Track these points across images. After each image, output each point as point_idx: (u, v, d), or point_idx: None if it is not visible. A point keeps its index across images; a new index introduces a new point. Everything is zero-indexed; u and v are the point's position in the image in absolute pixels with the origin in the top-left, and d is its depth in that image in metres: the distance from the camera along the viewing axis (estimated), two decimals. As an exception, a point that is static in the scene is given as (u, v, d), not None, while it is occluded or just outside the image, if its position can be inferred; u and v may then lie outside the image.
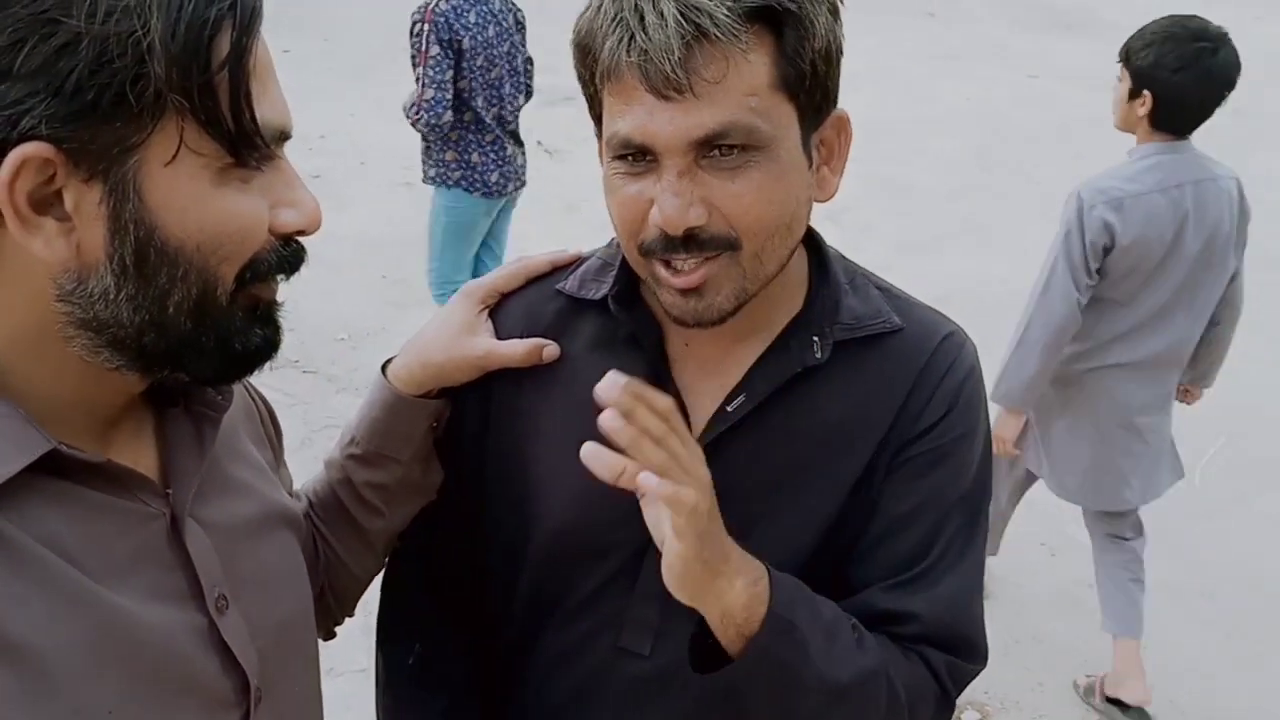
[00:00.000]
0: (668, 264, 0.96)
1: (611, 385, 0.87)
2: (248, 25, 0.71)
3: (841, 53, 0.98)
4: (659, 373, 1.07)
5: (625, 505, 1.06)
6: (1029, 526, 3.67)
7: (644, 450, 0.87)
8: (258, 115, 0.72)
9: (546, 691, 1.18)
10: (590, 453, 0.87)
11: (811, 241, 1.11)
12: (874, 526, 1.10)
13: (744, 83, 0.90)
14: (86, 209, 0.68)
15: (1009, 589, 3.37)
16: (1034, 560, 3.56)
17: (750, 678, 0.98)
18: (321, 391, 4.13)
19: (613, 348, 1.09)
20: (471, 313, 1.14)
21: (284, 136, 0.77)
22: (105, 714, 0.73)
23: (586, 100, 0.99)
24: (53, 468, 0.72)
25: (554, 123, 7.45)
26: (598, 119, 0.99)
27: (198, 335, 0.75)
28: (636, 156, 0.94)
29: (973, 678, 1.11)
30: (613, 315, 1.09)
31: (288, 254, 0.79)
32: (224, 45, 0.70)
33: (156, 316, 0.73)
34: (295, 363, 4.26)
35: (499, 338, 1.13)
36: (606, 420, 0.87)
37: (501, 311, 1.15)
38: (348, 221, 5.49)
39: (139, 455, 0.82)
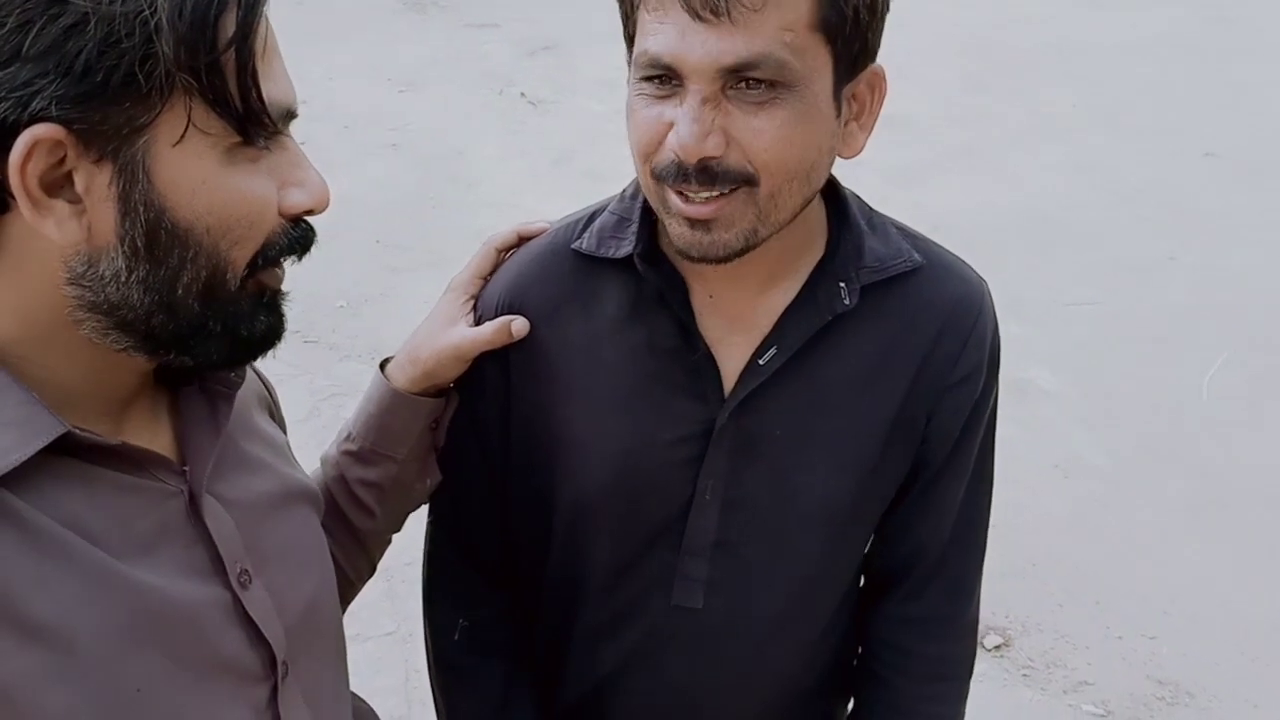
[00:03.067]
0: (680, 192, 0.94)
1: None
2: (253, 3, 0.71)
3: (888, 7, 0.95)
4: (687, 329, 1.05)
5: (666, 463, 1.07)
6: (1041, 449, 3.68)
7: None
8: (264, 94, 0.72)
9: (600, 656, 1.19)
10: None
11: (829, 185, 1.09)
12: (914, 482, 1.15)
13: (783, 16, 0.87)
14: (97, 190, 0.68)
15: (1025, 513, 3.38)
16: (1048, 482, 3.57)
17: None
18: (325, 360, 4.11)
19: (638, 306, 1.07)
20: (454, 305, 1.12)
21: (290, 115, 0.77)
22: (134, 691, 0.73)
23: (622, 18, 0.97)
24: (69, 449, 0.72)
25: (534, 73, 7.38)
26: (629, 39, 0.96)
27: (205, 319, 0.75)
28: (663, 79, 0.91)
29: None
30: (635, 273, 1.06)
31: (297, 235, 0.79)
32: (230, 24, 0.70)
33: (166, 298, 0.73)
34: (296, 333, 4.23)
35: (503, 309, 1.10)
36: None
37: (492, 286, 1.13)
38: (336, 187, 5.25)
39: (155, 434, 0.83)
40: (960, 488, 1.16)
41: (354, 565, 1.18)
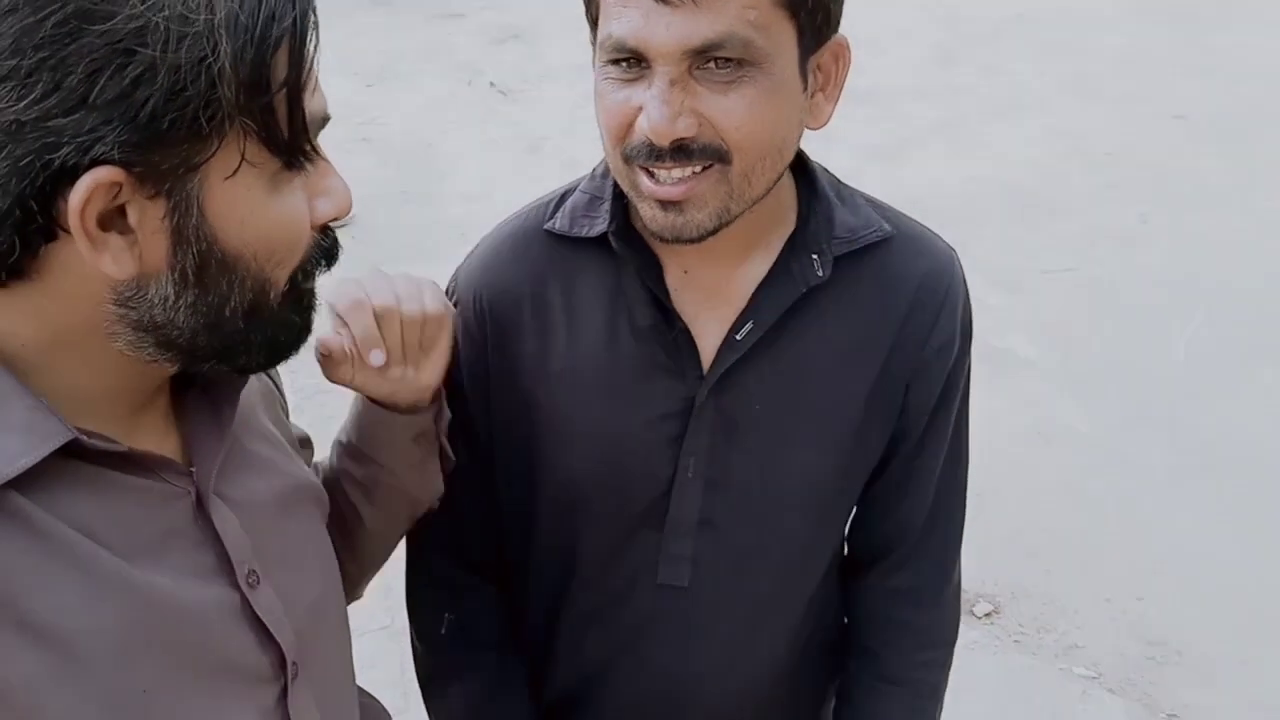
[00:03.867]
0: (650, 173, 0.94)
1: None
2: (304, 38, 0.71)
3: None
4: (663, 306, 1.05)
5: (648, 442, 1.07)
6: (1023, 417, 3.71)
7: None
8: (306, 114, 0.72)
9: (589, 641, 1.19)
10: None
11: (797, 159, 1.09)
12: (894, 454, 1.15)
13: None
14: (149, 223, 0.69)
15: (1010, 481, 3.41)
16: (1031, 450, 3.60)
17: None
18: (307, 359, 4.06)
19: (614, 285, 1.07)
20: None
21: (325, 122, 0.77)
22: (140, 693, 0.73)
23: (584, 1, 0.96)
24: (76, 452, 0.72)
25: (504, 62, 7.36)
26: (593, 22, 0.96)
27: (248, 334, 0.76)
28: (630, 62, 0.91)
29: None
30: (609, 252, 1.06)
31: (327, 245, 0.80)
32: (283, 61, 0.70)
33: (213, 320, 0.74)
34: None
35: (475, 298, 1.09)
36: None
37: (468, 267, 1.12)
38: None
39: (162, 436, 0.83)
40: (940, 458, 1.16)
41: (354, 560, 1.15)
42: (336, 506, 1.11)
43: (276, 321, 0.78)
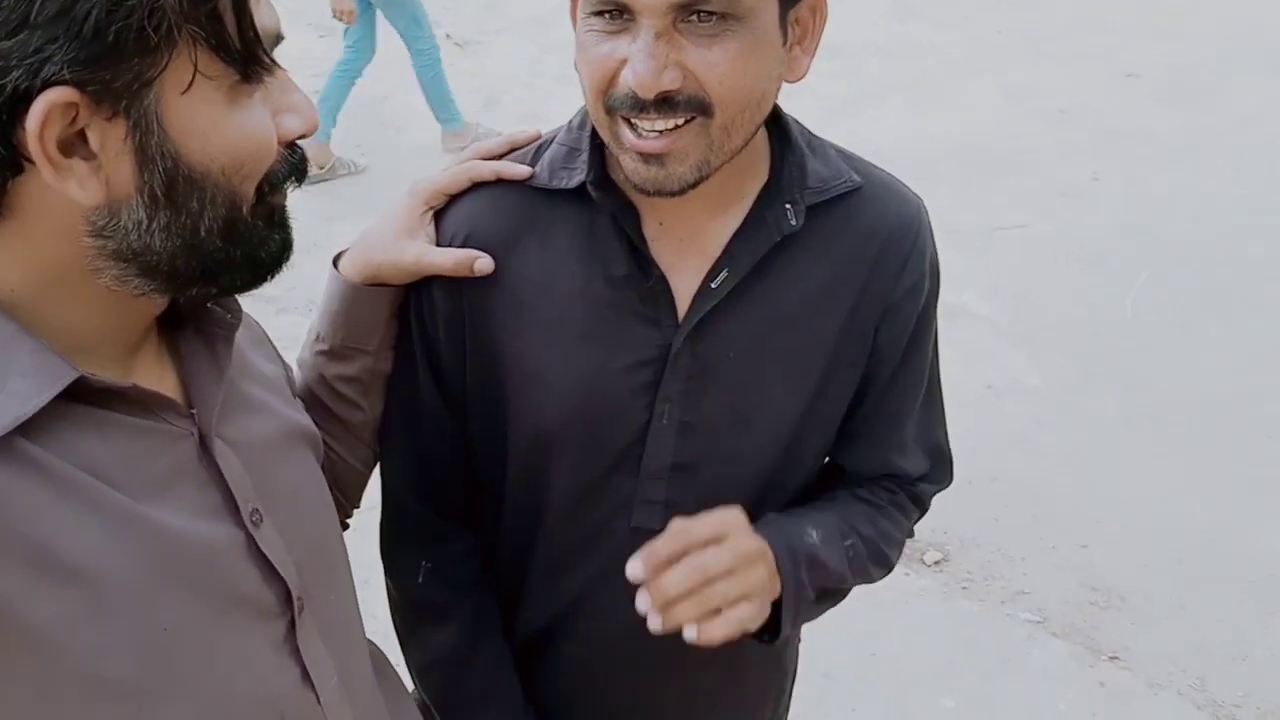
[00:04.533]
0: (632, 126, 0.95)
1: (634, 566, 0.99)
2: None
3: None
4: (640, 255, 1.07)
5: (623, 389, 1.10)
6: (975, 371, 3.77)
7: (682, 613, 1.01)
8: (257, 26, 0.72)
9: (562, 583, 1.21)
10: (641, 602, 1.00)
11: (772, 111, 1.10)
12: (866, 393, 1.17)
13: None
14: (112, 145, 0.68)
15: (961, 434, 3.44)
16: (982, 403, 3.67)
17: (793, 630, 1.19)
18: (262, 313, 3.99)
19: (591, 235, 1.08)
20: (415, 214, 1.11)
21: (279, 39, 0.77)
22: (162, 630, 0.75)
23: None
24: (81, 396, 0.73)
25: (460, 14, 7.25)
26: None
27: (227, 251, 0.76)
28: (614, 14, 0.91)
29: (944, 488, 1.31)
30: (587, 202, 1.07)
31: (294, 160, 0.80)
32: None
33: (190, 240, 0.74)
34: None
35: (459, 241, 1.10)
36: (642, 602, 1.01)
37: (455, 212, 1.12)
38: None
39: (161, 378, 0.83)
40: (912, 402, 1.20)
41: (356, 456, 1.20)
42: (329, 409, 1.15)
43: (254, 237, 0.78)
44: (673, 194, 0.98)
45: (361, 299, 1.11)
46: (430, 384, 1.16)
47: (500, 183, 1.12)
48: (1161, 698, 2.64)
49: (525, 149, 1.14)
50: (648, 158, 0.96)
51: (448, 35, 7.00)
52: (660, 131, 0.94)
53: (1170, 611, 2.90)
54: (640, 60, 0.90)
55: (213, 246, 0.75)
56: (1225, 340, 4.06)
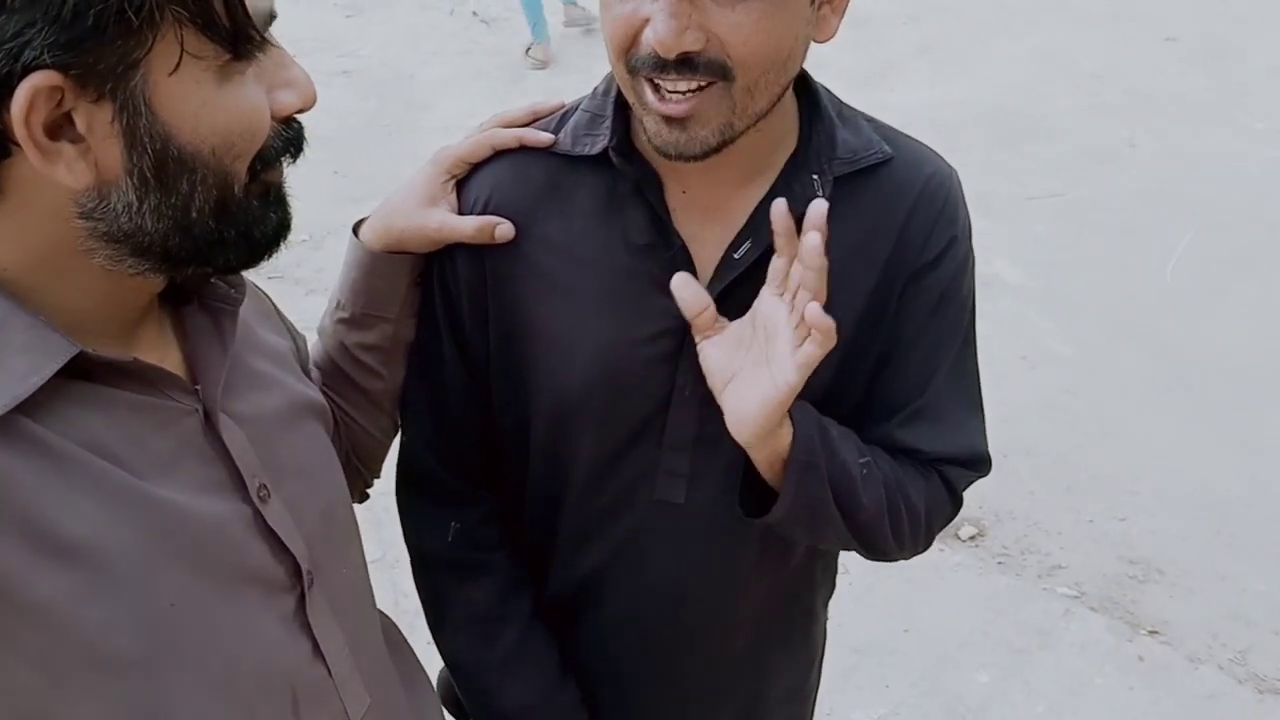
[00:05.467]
0: (655, 87, 0.94)
1: (778, 209, 0.98)
2: None
3: None
4: (662, 223, 1.05)
5: (644, 359, 1.08)
6: (1007, 341, 3.73)
7: (782, 307, 0.99)
8: (247, 3, 0.71)
9: (585, 554, 1.20)
10: (680, 282, 1.00)
11: (801, 78, 1.08)
12: (892, 362, 1.13)
13: None
14: (99, 128, 0.68)
15: (994, 405, 3.41)
16: (1015, 374, 3.63)
17: (789, 514, 1.07)
18: (290, 295, 4.08)
19: (613, 202, 1.07)
20: (436, 182, 1.11)
21: (272, 17, 0.76)
22: (168, 606, 0.75)
23: None
24: (82, 373, 0.73)
25: (487, -10, 7.22)
26: None
27: (220, 231, 0.76)
28: None
29: (978, 479, 1.20)
30: (610, 169, 1.06)
31: (290, 135, 0.79)
32: None
33: (181, 221, 0.73)
34: (260, 270, 4.19)
35: (479, 209, 1.10)
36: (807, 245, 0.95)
37: (476, 180, 1.12)
38: None
39: (164, 354, 0.83)
40: (934, 371, 1.14)
41: (377, 425, 1.20)
42: (350, 378, 1.15)
43: (247, 216, 0.77)
44: (695, 158, 0.96)
45: (382, 267, 1.11)
46: (453, 351, 1.15)
47: (523, 150, 1.11)
48: (1202, 671, 2.61)
49: (550, 117, 1.13)
50: (670, 121, 0.95)
51: (474, 13, 6.99)
52: (684, 93, 0.93)
53: (1210, 583, 2.86)
54: (662, 21, 0.89)
55: (205, 227, 0.74)
56: (1261, 303, 3.99)
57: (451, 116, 5.61)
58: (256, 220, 0.78)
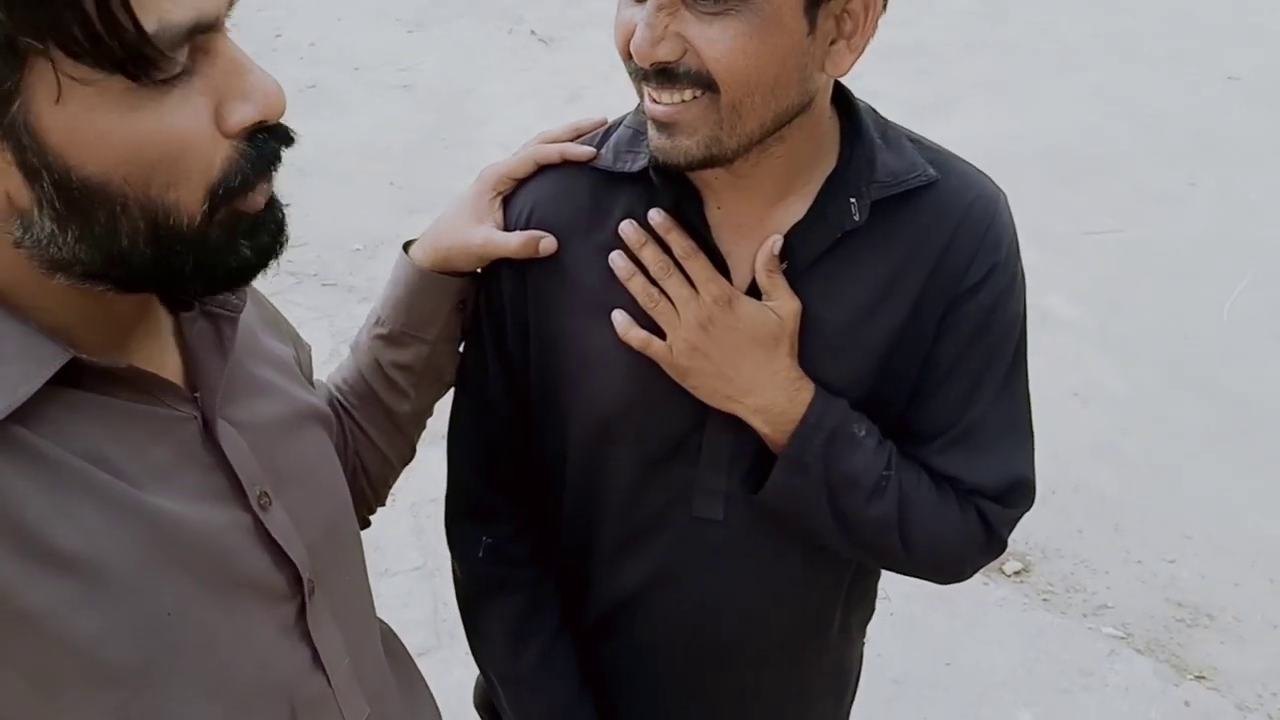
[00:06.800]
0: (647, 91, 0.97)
1: (629, 225, 1.05)
2: None
3: None
4: (702, 239, 1.06)
5: (678, 379, 1.08)
6: (1060, 377, 3.68)
7: (633, 284, 1.05)
8: (146, 22, 0.62)
9: (624, 572, 1.20)
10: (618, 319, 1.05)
11: (841, 97, 1.08)
12: (928, 387, 1.11)
13: None
14: None
15: (1044, 441, 3.36)
16: (1067, 411, 3.57)
17: (775, 500, 1.10)
18: (344, 302, 4.13)
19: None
20: (483, 199, 1.13)
21: (201, 28, 0.66)
22: (165, 615, 0.74)
23: None
24: (78, 380, 0.72)
25: (544, 9, 7.28)
26: None
27: (168, 260, 0.70)
28: None
29: (1021, 517, 1.16)
30: (650, 186, 1.06)
31: (259, 153, 0.71)
32: None
33: (113, 251, 0.68)
34: (314, 275, 4.24)
35: (522, 223, 1.11)
36: (614, 258, 1.06)
37: (520, 196, 1.13)
38: (348, 130, 5.42)
39: (162, 361, 0.82)
40: (978, 399, 1.11)
41: (394, 449, 1.21)
42: (377, 397, 1.16)
43: (205, 246, 0.71)
44: (681, 167, 0.98)
45: (428, 285, 1.12)
46: (497, 367, 1.16)
47: (567, 165, 1.12)
48: (1250, 720, 2.54)
49: (594, 133, 1.15)
50: (659, 126, 0.97)
51: (532, 31, 7.05)
52: (668, 102, 0.95)
53: (1261, 631, 2.79)
54: (640, 29, 0.92)
55: (144, 257, 0.69)
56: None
57: (507, 132, 5.65)
58: (218, 251, 0.72)
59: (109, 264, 0.69)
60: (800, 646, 1.28)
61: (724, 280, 1.04)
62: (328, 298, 4.14)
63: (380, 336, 1.15)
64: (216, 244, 0.72)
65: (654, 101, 0.96)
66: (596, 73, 6.33)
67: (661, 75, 0.93)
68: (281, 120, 0.73)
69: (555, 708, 1.26)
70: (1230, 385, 3.70)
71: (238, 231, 0.73)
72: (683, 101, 0.94)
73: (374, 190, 5.07)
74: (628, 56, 0.96)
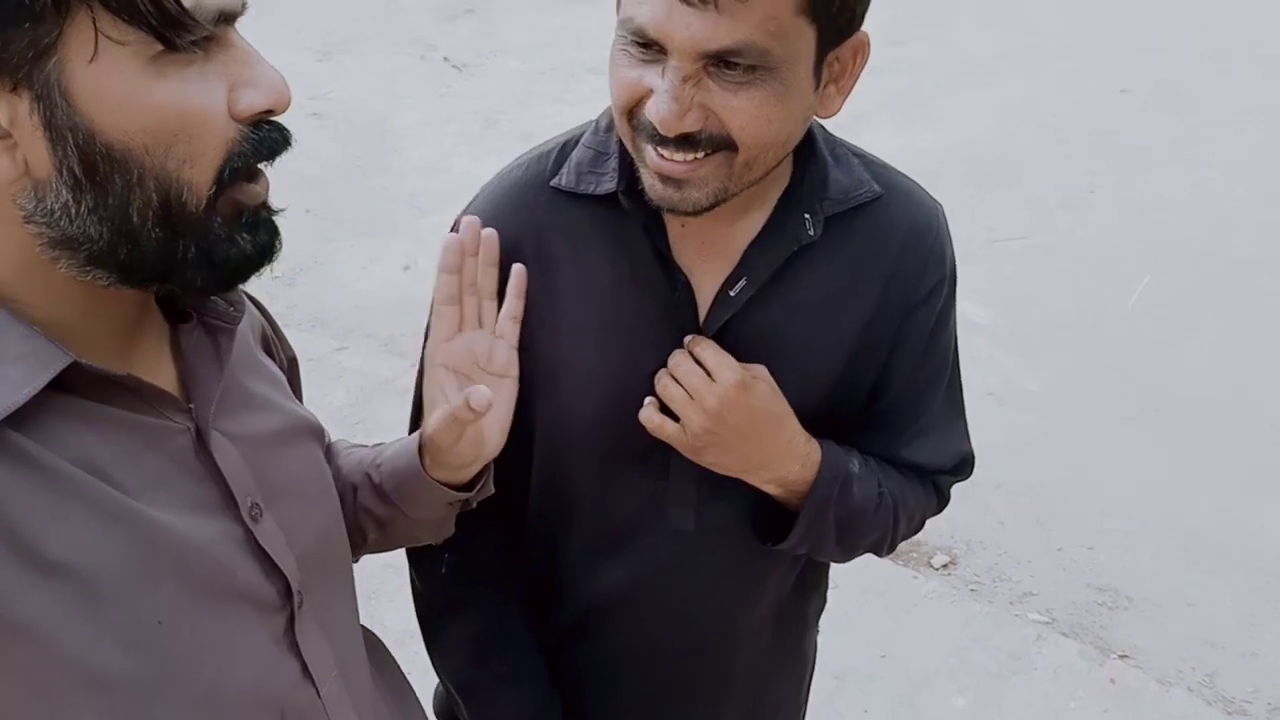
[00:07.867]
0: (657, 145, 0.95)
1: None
2: None
3: None
4: (666, 261, 1.07)
5: (647, 392, 1.09)
6: (975, 379, 3.77)
7: (663, 384, 1.07)
8: None
9: (595, 581, 1.21)
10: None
11: None
12: (890, 389, 1.17)
13: (769, 5, 0.87)
14: (21, 121, 0.65)
15: (964, 440, 3.47)
16: (984, 410, 3.65)
17: (794, 547, 1.16)
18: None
19: (619, 239, 1.08)
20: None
21: (226, 16, 0.70)
22: (155, 624, 0.73)
23: None
24: (74, 388, 0.71)
25: (457, 36, 7.31)
26: None
27: (174, 245, 0.71)
28: (647, 45, 0.91)
29: (964, 481, 1.28)
30: (615, 206, 1.07)
31: (261, 138, 0.73)
32: None
33: (124, 226, 0.69)
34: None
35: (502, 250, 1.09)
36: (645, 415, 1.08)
37: (479, 210, 1.11)
38: None
39: (158, 371, 0.82)
40: (932, 397, 1.20)
41: (381, 547, 1.16)
42: (361, 503, 1.10)
43: (208, 233, 0.72)
44: (686, 214, 0.99)
45: (425, 488, 1.06)
46: None
47: (524, 187, 1.11)
48: (1172, 694, 2.63)
49: (546, 150, 1.13)
50: (666, 179, 0.96)
51: (445, 58, 7.06)
52: (682, 160, 0.94)
53: (1178, 609, 2.89)
54: (664, 101, 0.90)
55: (151, 236, 0.70)
56: (1224, 335, 4.08)
57: (425, 158, 5.65)
58: (219, 241, 0.73)
59: (116, 241, 0.69)
60: (768, 635, 1.30)
61: (737, 365, 1.05)
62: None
63: (371, 481, 1.09)
64: (218, 233, 0.73)
65: (664, 159, 0.94)
66: (511, 98, 6.37)
67: (681, 140, 0.92)
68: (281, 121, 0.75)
69: (523, 715, 1.24)
70: (1138, 376, 3.85)
71: (239, 223, 0.75)
72: (696, 159, 0.94)
73: (291, 218, 4.98)
74: (628, 114, 0.95)
